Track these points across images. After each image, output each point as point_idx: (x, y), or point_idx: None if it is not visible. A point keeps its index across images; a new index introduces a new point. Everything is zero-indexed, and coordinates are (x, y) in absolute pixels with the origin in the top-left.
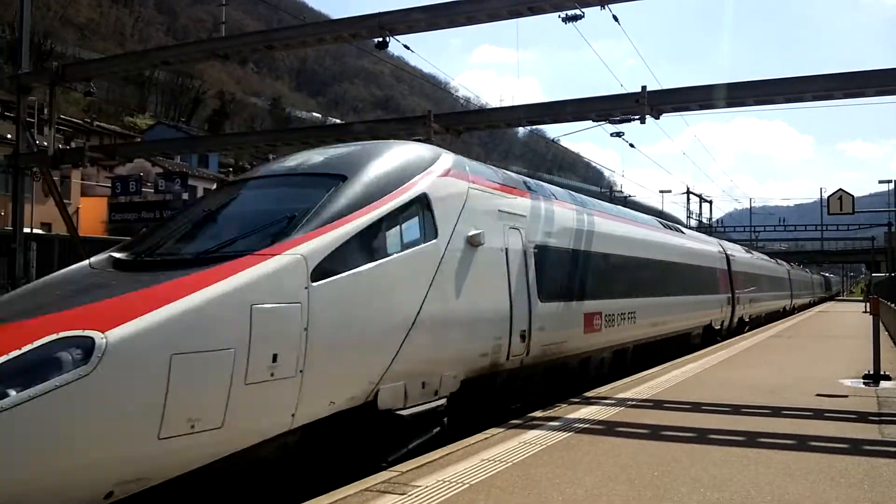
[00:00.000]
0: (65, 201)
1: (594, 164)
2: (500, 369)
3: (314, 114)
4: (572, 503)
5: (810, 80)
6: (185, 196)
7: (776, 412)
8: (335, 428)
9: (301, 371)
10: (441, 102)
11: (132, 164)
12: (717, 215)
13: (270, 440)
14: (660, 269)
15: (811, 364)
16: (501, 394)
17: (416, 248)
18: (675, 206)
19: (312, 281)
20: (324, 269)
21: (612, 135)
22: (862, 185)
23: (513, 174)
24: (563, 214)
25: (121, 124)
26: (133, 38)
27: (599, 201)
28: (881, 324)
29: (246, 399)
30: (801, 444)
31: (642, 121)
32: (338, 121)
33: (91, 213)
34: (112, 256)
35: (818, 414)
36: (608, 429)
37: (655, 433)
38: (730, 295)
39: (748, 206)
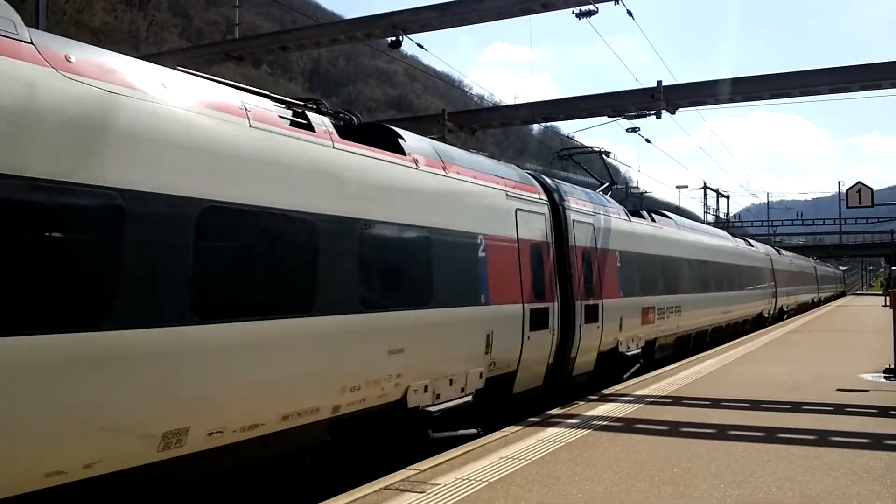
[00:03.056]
0: None
1: (609, 161)
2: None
3: None
4: (592, 500)
5: (825, 73)
6: None
7: (796, 408)
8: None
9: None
10: (455, 101)
11: None
12: (734, 210)
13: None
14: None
15: (831, 359)
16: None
17: None
18: (692, 202)
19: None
20: None
21: (627, 130)
22: (881, 179)
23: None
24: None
25: None
26: (148, 41)
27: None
28: None
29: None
30: (822, 439)
31: (658, 116)
32: None
33: None
34: None
35: (839, 409)
36: (627, 426)
37: (675, 430)
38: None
39: (765, 201)
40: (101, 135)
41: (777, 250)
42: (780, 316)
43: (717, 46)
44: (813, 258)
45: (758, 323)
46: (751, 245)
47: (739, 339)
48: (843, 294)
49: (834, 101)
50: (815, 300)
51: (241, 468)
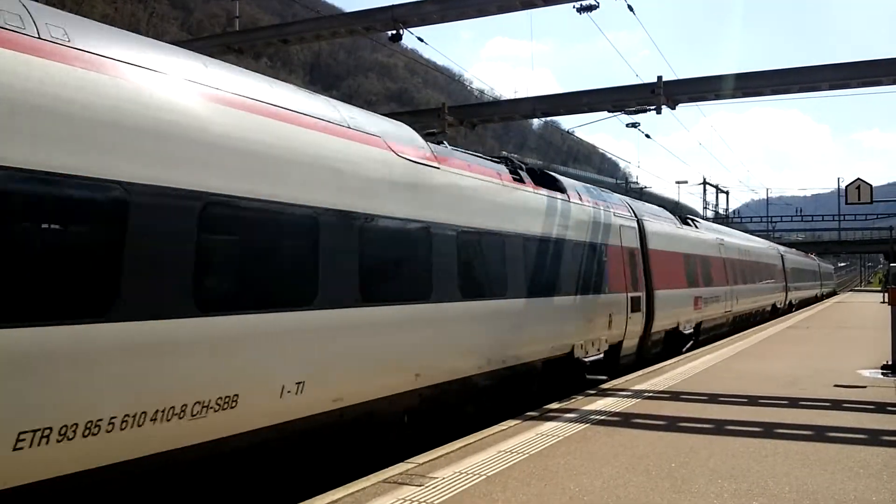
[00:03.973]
0: None
1: (609, 156)
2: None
3: None
4: (590, 494)
5: (825, 70)
6: None
7: (794, 403)
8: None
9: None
10: (455, 95)
11: None
12: (733, 206)
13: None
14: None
15: (829, 355)
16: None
17: None
18: (691, 197)
19: None
20: None
21: (627, 125)
22: (880, 175)
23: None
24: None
25: None
26: (148, 33)
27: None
28: None
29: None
30: (820, 434)
31: (658, 111)
32: None
33: None
34: None
35: (836, 405)
36: (625, 420)
37: (673, 424)
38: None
39: (765, 197)
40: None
41: (684, 220)
42: (666, 348)
43: (719, 42)
44: (811, 254)
45: (567, 373)
46: (560, 193)
47: (736, 336)
48: (833, 293)
49: (834, 98)
50: (782, 305)
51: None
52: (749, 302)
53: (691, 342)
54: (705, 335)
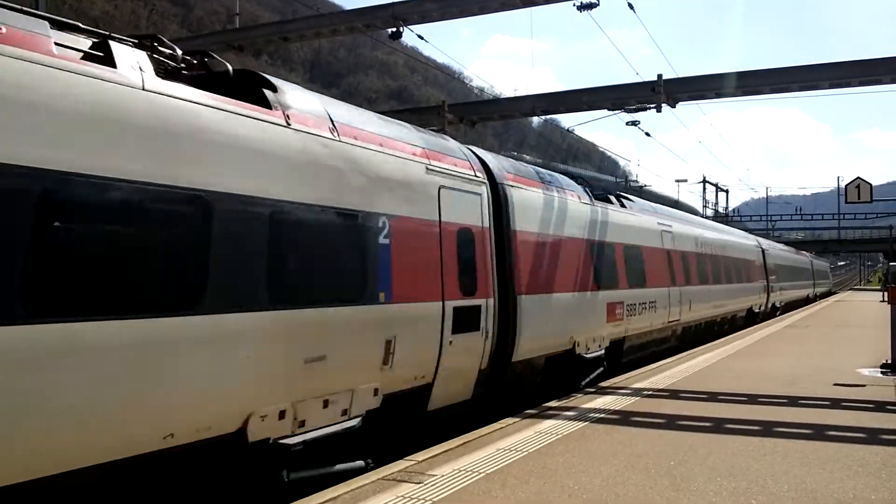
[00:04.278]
0: None
1: (609, 154)
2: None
3: None
4: (588, 492)
5: (825, 68)
6: None
7: (793, 402)
8: None
9: None
10: (455, 93)
11: None
12: (733, 204)
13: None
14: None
15: (829, 354)
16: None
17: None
18: (691, 195)
19: None
20: None
21: (627, 123)
22: (880, 174)
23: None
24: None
25: None
26: (148, 30)
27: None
28: None
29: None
30: (819, 433)
31: (658, 109)
32: None
33: None
34: None
35: (835, 403)
36: (624, 418)
37: (672, 423)
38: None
39: (764, 196)
40: None
41: (603, 196)
42: (551, 380)
43: (719, 40)
44: (812, 253)
45: (232, 477)
46: (264, 110)
47: (735, 335)
48: (829, 293)
49: (834, 96)
50: (762, 308)
51: None
52: (709, 307)
53: (601, 369)
54: (631, 356)
